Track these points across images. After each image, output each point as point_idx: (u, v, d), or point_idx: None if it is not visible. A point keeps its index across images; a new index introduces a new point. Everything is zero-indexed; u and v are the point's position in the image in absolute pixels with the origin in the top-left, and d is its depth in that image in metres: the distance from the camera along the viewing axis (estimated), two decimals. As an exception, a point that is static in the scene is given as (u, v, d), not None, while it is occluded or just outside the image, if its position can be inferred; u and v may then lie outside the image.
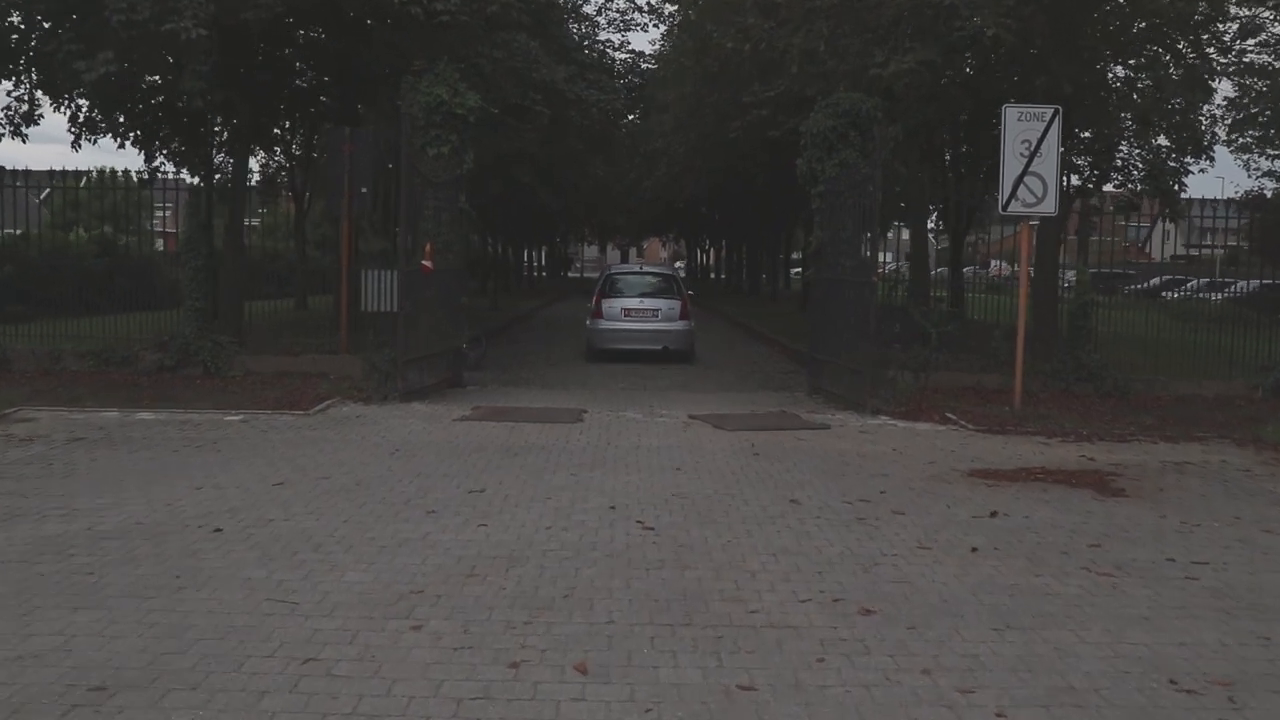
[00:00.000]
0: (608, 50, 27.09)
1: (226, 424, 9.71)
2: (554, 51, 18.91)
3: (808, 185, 12.70)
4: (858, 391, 11.24)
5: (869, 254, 11.28)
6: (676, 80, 28.60)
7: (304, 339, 14.20)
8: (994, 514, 6.73)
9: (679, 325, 16.47)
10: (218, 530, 5.99)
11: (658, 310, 16.56)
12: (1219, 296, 24.35)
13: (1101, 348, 13.43)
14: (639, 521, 6.34)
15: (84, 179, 17.51)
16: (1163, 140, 20.10)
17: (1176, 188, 18.78)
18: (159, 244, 24.49)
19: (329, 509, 6.54)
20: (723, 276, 61.62)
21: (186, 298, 13.20)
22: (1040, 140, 11.03)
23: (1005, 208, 11.20)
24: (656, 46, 33.49)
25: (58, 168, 15.70)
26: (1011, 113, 11.08)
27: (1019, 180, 11.06)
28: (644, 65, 29.94)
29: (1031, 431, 10.15)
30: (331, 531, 6.01)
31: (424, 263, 11.47)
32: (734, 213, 41.60)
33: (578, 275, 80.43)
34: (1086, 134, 22.74)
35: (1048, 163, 11.06)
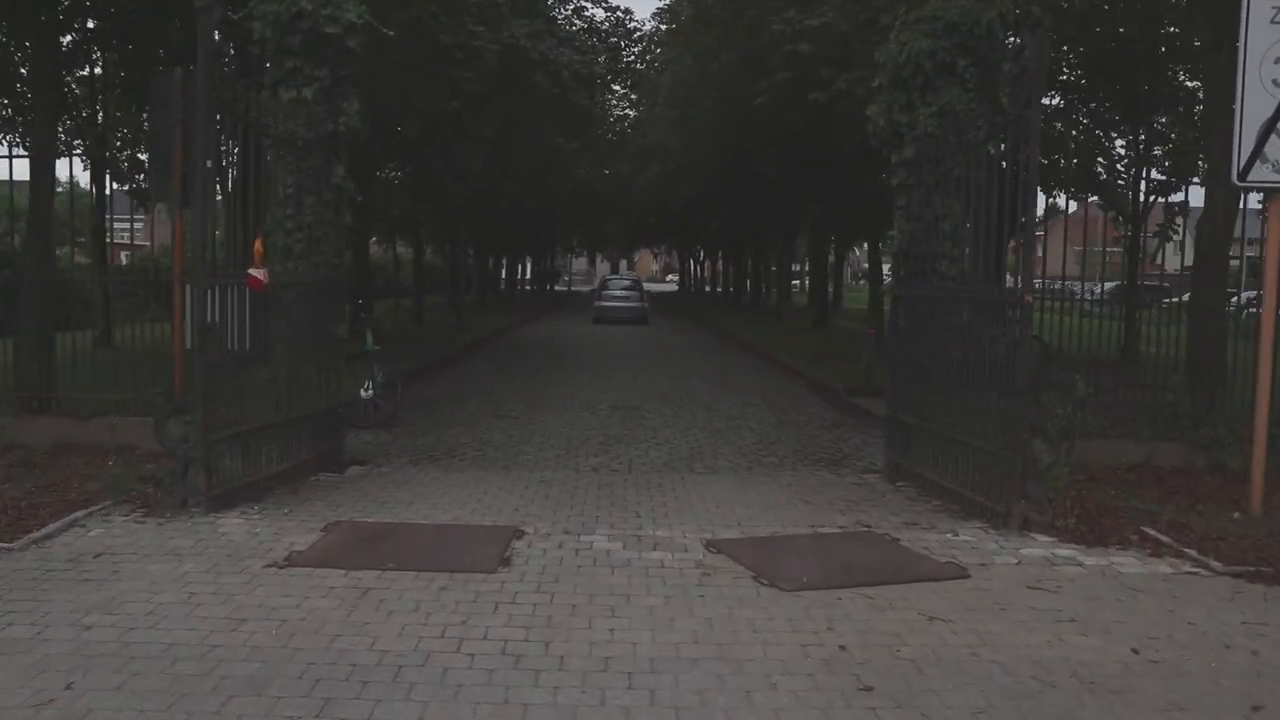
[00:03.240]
0: (585, 4, 22.24)
1: None
2: (518, 6, 14.37)
3: (885, 148, 8.08)
4: (993, 488, 6.60)
5: (1014, 256, 6.64)
6: (674, 59, 24.13)
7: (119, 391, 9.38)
8: None
9: (640, 305, 30.48)
10: None
11: (629, 297, 30.87)
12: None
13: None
14: None
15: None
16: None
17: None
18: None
19: None
20: (718, 290, 57.01)
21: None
22: (1304, 60, 6.42)
23: (1244, 175, 6.57)
24: (649, 25, 28.95)
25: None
26: (1261, 8, 6.44)
27: (1270, 127, 6.44)
28: (632, 24, 25.15)
29: (1337, 577, 5.51)
30: None
31: (251, 272, 6.79)
32: (736, 215, 37.12)
33: (565, 289, 75.57)
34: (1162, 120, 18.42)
35: (1317, 99, 6.44)
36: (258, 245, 6.83)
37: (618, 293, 31.17)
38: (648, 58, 31.32)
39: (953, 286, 7.43)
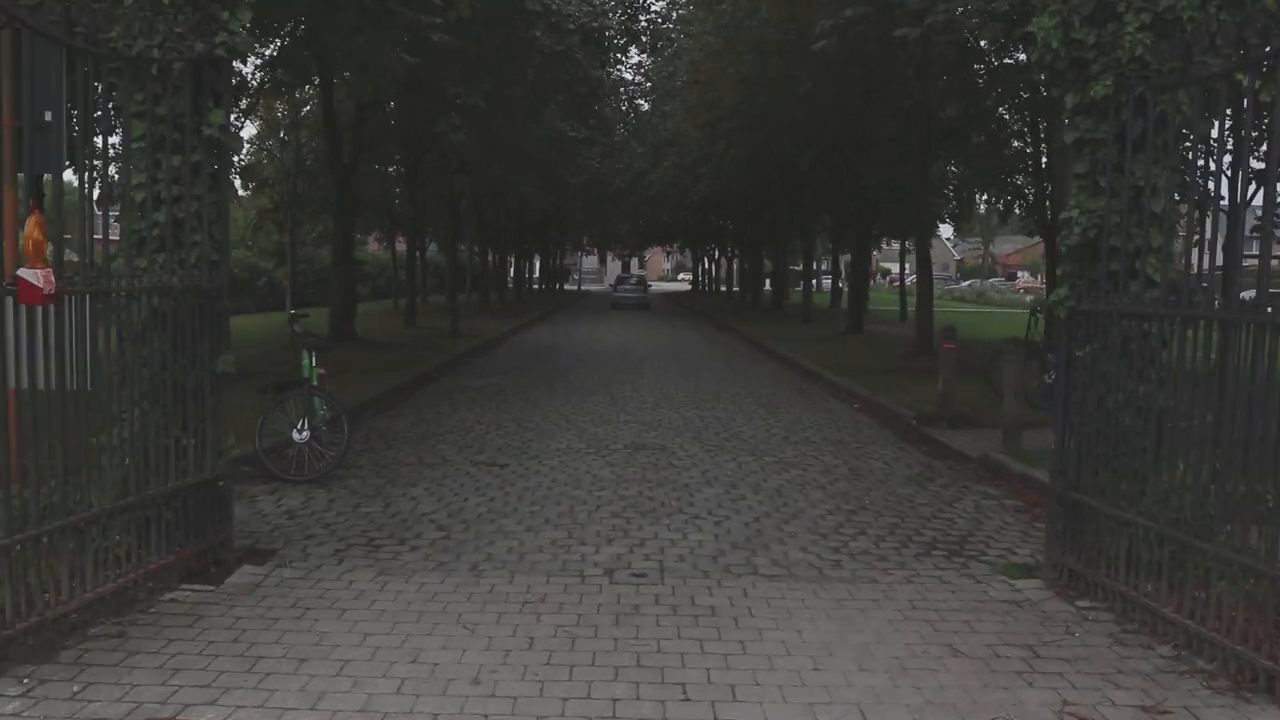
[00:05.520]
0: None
1: None
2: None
3: (1056, 85, 5.27)
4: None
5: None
6: (696, 34, 21.46)
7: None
8: None
9: (644, 295, 44.63)
10: None
11: (636, 290, 45.13)
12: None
13: None
14: None
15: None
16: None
17: None
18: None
19: None
20: (733, 289, 54.10)
21: None
22: None
23: None
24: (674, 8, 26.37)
25: None
26: None
27: None
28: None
29: None
30: None
31: (21, 274, 4.00)
32: (759, 208, 34.36)
33: (576, 288, 72.80)
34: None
35: None
36: (32, 226, 4.04)
37: (628, 288, 45.88)
38: (665, 40, 28.71)
39: (1191, 301, 4.63)
